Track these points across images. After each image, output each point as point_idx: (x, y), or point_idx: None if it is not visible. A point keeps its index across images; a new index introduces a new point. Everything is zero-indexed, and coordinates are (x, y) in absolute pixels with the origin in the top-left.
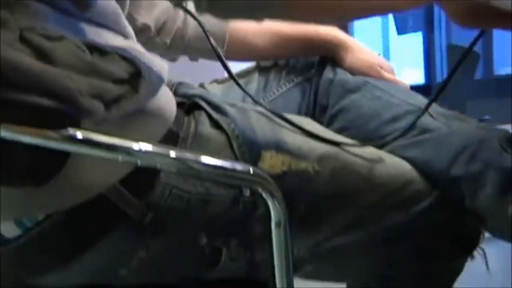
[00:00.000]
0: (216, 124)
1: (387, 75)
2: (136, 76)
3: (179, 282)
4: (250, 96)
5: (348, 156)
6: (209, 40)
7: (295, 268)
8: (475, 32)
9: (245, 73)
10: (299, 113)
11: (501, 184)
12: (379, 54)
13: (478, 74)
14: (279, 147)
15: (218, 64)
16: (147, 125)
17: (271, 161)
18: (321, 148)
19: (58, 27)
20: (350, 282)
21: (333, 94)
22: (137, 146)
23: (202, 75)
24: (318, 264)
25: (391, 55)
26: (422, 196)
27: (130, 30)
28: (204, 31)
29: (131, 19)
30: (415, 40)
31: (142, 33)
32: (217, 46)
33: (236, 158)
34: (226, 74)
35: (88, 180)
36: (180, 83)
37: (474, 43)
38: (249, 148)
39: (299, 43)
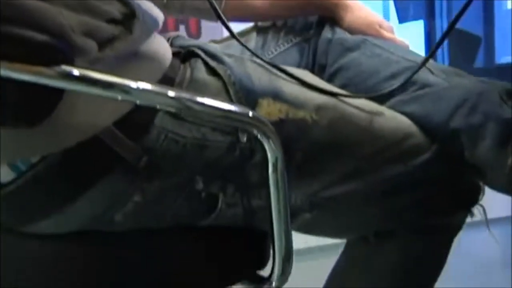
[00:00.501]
0: (212, 71)
1: (386, 33)
2: (131, 17)
3: (175, 228)
4: (249, 49)
5: (346, 107)
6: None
7: (293, 215)
8: (474, 24)
9: (243, 34)
10: None
11: (501, 136)
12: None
13: (480, 63)
14: (276, 95)
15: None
16: (142, 68)
17: (268, 109)
18: (319, 98)
19: None
20: (348, 237)
21: (332, 53)
22: (135, 84)
23: None
24: (316, 214)
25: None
26: (421, 149)
27: None
28: None
29: None
30: (416, 28)
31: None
32: (214, 3)
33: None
34: (223, 35)
35: (82, 121)
36: (177, 36)
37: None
38: (245, 95)
39: (297, 2)
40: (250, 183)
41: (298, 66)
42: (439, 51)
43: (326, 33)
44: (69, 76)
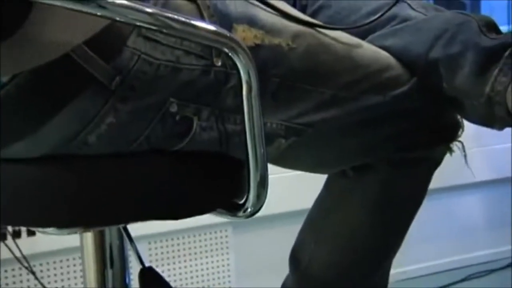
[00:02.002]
0: None
1: None
2: None
3: (149, 153)
4: None
5: (324, 37)
6: None
7: (268, 140)
8: None
9: None
10: None
11: (479, 64)
12: None
13: None
14: (252, 22)
15: None
16: None
17: (244, 34)
18: (296, 27)
19: None
20: (326, 172)
21: None
22: None
23: None
24: (291, 140)
25: None
26: (399, 82)
27: None
28: None
29: None
30: None
31: None
32: None
33: None
34: None
35: (52, 39)
36: None
37: None
38: (220, 19)
39: None
40: (225, 107)
41: None
42: None
43: None
44: None
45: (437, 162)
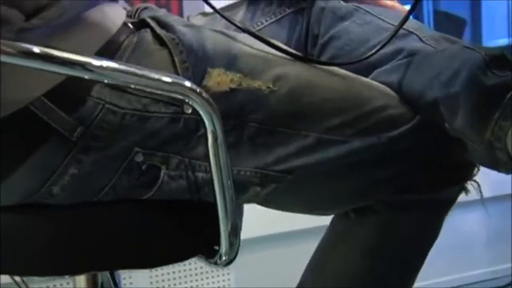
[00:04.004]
0: (160, 41)
1: (384, 0)
2: None
3: (117, 201)
4: (228, 19)
5: (314, 76)
6: None
7: (241, 189)
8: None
9: (233, 5)
10: (289, 44)
11: (480, 106)
12: None
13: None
14: (230, 65)
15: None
16: (77, 36)
17: (218, 78)
18: (281, 67)
19: None
20: (321, 214)
21: (324, 23)
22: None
23: None
24: (269, 188)
25: None
26: (399, 121)
27: None
28: None
29: None
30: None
31: None
32: None
33: (177, 74)
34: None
35: (11, 92)
36: (145, 8)
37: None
38: (193, 64)
39: None
40: (196, 155)
41: (290, 37)
42: None
43: (320, 1)
44: (29, 54)
45: (448, 203)
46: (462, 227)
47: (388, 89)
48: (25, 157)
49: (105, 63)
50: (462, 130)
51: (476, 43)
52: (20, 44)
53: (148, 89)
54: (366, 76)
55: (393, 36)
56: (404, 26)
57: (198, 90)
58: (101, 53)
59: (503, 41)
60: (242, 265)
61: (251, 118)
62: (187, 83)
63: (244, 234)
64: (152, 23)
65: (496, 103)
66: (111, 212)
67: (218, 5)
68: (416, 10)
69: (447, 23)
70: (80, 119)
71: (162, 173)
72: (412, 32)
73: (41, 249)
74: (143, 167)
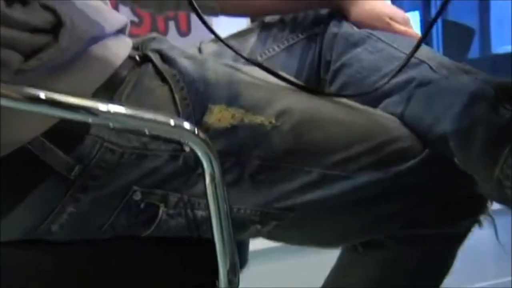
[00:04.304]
0: (162, 77)
1: (397, 26)
2: (57, 26)
3: (115, 239)
4: (229, 46)
5: (319, 110)
6: None
7: (241, 227)
8: (470, 12)
9: (246, 30)
10: (301, 70)
11: (489, 143)
12: None
13: (475, 53)
14: (232, 100)
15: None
16: (77, 75)
17: (219, 115)
18: (285, 101)
19: None
20: (326, 248)
21: (337, 49)
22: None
23: None
24: (269, 225)
25: None
26: (407, 155)
27: None
28: None
29: None
30: (412, 20)
31: None
32: (194, 3)
33: (177, 111)
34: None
35: (8, 132)
36: (153, 38)
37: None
38: (194, 101)
39: None
40: (195, 193)
41: (303, 63)
42: (434, 45)
43: (333, 27)
44: (34, 99)
45: (460, 237)
46: (468, 239)
47: (397, 121)
48: (24, 196)
49: (111, 107)
50: (471, 166)
51: (485, 50)
52: (25, 89)
53: (146, 130)
54: (376, 106)
55: (403, 66)
56: (416, 54)
57: (195, 131)
58: (103, 89)
59: (507, 48)
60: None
61: (253, 155)
62: (186, 125)
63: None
64: (155, 58)
65: (506, 140)
66: (110, 248)
67: (230, 30)
68: (424, 19)
69: (456, 32)
70: (78, 158)
71: (160, 211)
72: (423, 61)
73: (40, 284)
74: (142, 205)
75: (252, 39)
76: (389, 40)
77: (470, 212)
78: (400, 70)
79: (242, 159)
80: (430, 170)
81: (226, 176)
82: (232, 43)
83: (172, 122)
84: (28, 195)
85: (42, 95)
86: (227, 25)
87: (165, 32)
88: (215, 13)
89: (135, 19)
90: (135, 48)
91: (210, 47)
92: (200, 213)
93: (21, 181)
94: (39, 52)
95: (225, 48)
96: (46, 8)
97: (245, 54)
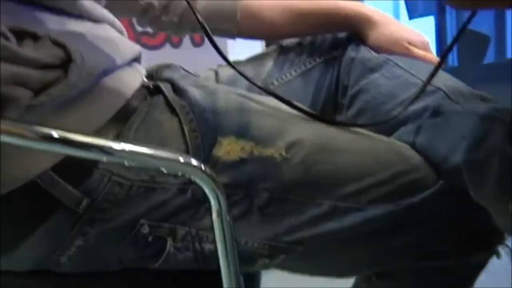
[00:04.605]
0: (171, 109)
1: (416, 51)
2: (67, 61)
3: (123, 271)
4: (242, 74)
5: (330, 140)
6: (199, 21)
7: (249, 260)
8: (486, 20)
9: (263, 55)
10: (318, 94)
11: (503, 176)
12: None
13: (491, 58)
14: (242, 132)
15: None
16: (86, 109)
17: (229, 148)
18: (295, 133)
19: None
20: (337, 278)
21: (354, 74)
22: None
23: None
24: (277, 259)
25: (401, 15)
26: (421, 186)
27: (100, 14)
28: (194, 14)
29: None
30: (426, 24)
31: (146, 12)
32: (207, 27)
33: (186, 144)
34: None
35: (18, 167)
36: (166, 66)
37: (464, 26)
38: (203, 133)
39: (318, 20)
40: (203, 226)
41: (320, 87)
42: (448, 28)
43: (351, 51)
44: (49, 138)
45: (478, 268)
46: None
47: (411, 151)
48: (33, 229)
49: (123, 146)
50: (485, 199)
51: (500, 57)
52: (38, 128)
53: (151, 167)
54: (391, 134)
55: (419, 95)
56: (433, 81)
57: (202, 167)
58: (113, 121)
59: None
60: None
61: (262, 188)
62: (193, 161)
63: None
64: (166, 89)
65: None
66: (117, 280)
67: (247, 53)
68: (439, 27)
69: (471, 40)
70: (86, 192)
71: (168, 245)
72: (440, 89)
73: None
74: (149, 238)
75: (269, 64)
76: (407, 66)
77: (486, 243)
78: (415, 98)
79: (251, 191)
80: (445, 201)
81: (235, 209)
82: (248, 68)
83: (178, 159)
84: (37, 228)
85: (55, 134)
86: (242, 47)
87: (179, 43)
88: (232, 35)
89: (149, 30)
90: (149, 75)
91: (227, 71)
92: (207, 246)
93: (30, 214)
94: (49, 87)
95: (242, 71)
96: (56, 43)
97: (261, 79)
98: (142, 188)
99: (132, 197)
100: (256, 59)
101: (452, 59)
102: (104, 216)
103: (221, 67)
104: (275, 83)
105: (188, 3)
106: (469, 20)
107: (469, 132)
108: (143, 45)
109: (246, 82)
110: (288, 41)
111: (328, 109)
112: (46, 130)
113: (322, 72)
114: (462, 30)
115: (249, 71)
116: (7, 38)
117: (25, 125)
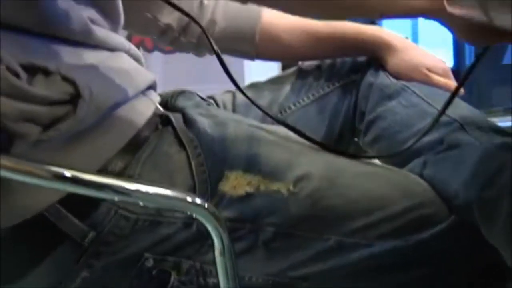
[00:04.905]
0: (180, 141)
1: (436, 78)
2: (76, 97)
3: None
4: (255, 104)
5: (340, 173)
6: (214, 50)
7: None
8: None
9: (282, 77)
10: (336, 119)
11: None
12: (406, 38)
13: (508, 60)
14: (249, 166)
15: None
16: (94, 143)
17: (235, 182)
18: (304, 167)
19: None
20: None
21: (372, 100)
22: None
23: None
24: None
25: (420, 39)
26: (431, 221)
27: (116, 43)
28: (206, 36)
29: (154, 20)
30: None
31: (165, 33)
32: (219, 51)
33: (193, 178)
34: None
35: (26, 199)
36: (181, 93)
37: (480, 57)
38: (210, 167)
39: (336, 44)
40: (208, 260)
41: (338, 111)
42: (466, 50)
43: (369, 76)
44: (61, 178)
45: None
46: None
47: (423, 184)
48: (40, 260)
49: (134, 186)
50: (495, 239)
51: None
52: (51, 168)
53: (155, 206)
54: (406, 164)
55: (432, 127)
56: (449, 112)
57: (205, 206)
58: (122, 152)
59: None
60: None
61: (268, 222)
62: (197, 200)
63: None
64: (176, 122)
65: None
66: None
67: (264, 71)
68: (458, 51)
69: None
70: (92, 225)
71: (172, 278)
72: (455, 120)
73: None
74: (154, 272)
75: (287, 88)
76: (424, 94)
77: (498, 280)
78: (429, 129)
79: (256, 226)
80: (456, 236)
81: (240, 243)
82: (266, 92)
83: (182, 197)
84: (44, 259)
85: (68, 173)
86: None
87: None
88: (251, 57)
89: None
90: (163, 101)
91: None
92: (212, 280)
93: (37, 246)
94: (58, 123)
95: (259, 95)
96: (66, 79)
97: (278, 102)
98: (148, 222)
99: (137, 230)
100: (274, 82)
101: (470, 58)
102: (110, 249)
103: (190, 107)
104: (292, 107)
105: (203, 30)
106: (483, 53)
107: (482, 169)
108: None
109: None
110: (307, 64)
111: (346, 133)
112: (58, 169)
113: (340, 97)
114: (477, 62)
115: (266, 95)
116: (17, 75)
117: (37, 164)
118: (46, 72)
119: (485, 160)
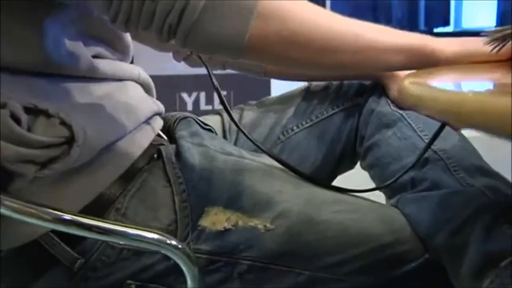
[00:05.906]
0: (167, 177)
1: None
2: (71, 140)
3: None
4: (249, 137)
5: (319, 209)
6: (213, 85)
7: None
8: None
9: (288, 97)
10: (338, 140)
11: (477, 267)
12: None
13: None
14: (230, 202)
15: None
16: (94, 174)
17: (215, 218)
18: (283, 204)
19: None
20: None
21: (371, 126)
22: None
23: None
24: None
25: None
26: (405, 259)
27: (124, 74)
28: (210, 77)
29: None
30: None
31: (178, 51)
32: (211, 71)
33: (175, 213)
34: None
35: (23, 227)
36: (184, 118)
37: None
38: (193, 204)
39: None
40: None
41: (340, 133)
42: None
43: (372, 102)
44: (60, 220)
45: None
46: None
47: (402, 220)
48: (34, 280)
49: (116, 227)
50: (460, 285)
51: None
52: (53, 212)
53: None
54: (393, 196)
55: (415, 163)
56: (438, 148)
57: (180, 247)
58: (115, 183)
59: None
60: None
61: (244, 256)
62: (173, 242)
63: None
64: (166, 155)
65: (492, 268)
66: None
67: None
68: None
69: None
70: (82, 252)
71: None
72: (442, 159)
73: None
74: None
75: (292, 109)
76: (419, 126)
77: None
78: (411, 167)
79: (233, 259)
80: (428, 275)
81: (216, 274)
82: (271, 113)
83: (158, 239)
84: (38, 280)
85: (68, 217)
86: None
87: None
88: (261, 76)
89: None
90: (166, 126)
91: (251, 115)
92: None
93: (33, 267)
94: (53, 162)
95: (264, 116)
96: (64, 123)
97: (282, 124)
98: (132, 251)
99: (122, 259)
100: (281, 102)
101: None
102: (96, 274)
103: (246, 108)
104: (295, 129)
105: (205, 64)
106: (438, 133)
107: (456, 215)
108: None
109: (266, 128)
110: (316, 84)
111: (347, 155)
112: (61, 214)
113: (343, 120)
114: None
115: (271, 116)
116: (18, 119)
117: (39, 207)
118: (47, 115)
119: (460, 205)
